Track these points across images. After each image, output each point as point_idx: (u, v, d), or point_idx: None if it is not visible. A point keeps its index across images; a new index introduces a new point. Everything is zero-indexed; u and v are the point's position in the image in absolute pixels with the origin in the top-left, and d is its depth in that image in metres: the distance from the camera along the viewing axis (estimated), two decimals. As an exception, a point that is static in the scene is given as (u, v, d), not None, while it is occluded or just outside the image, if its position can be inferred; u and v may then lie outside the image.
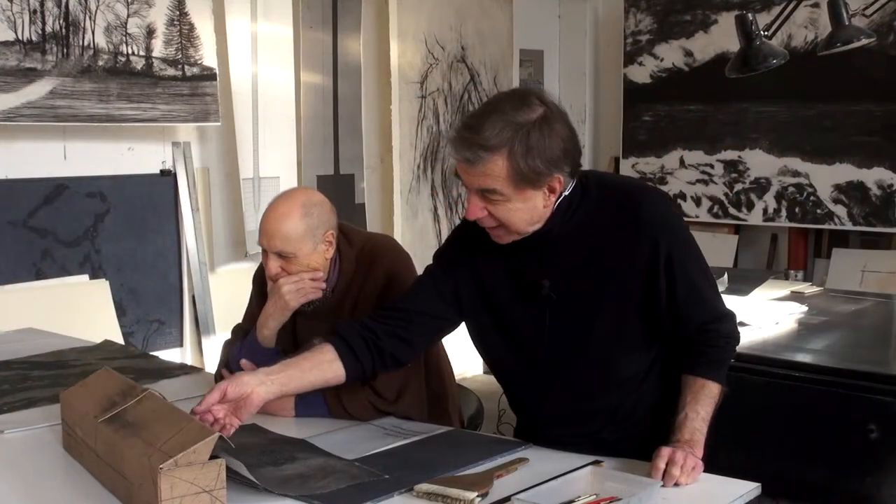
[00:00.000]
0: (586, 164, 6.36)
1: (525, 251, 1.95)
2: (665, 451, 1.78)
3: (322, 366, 1.96)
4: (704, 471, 1.81)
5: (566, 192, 1.89)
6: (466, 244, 2.03)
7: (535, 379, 2.01)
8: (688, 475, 1.76)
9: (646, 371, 1.99)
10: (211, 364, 3.97)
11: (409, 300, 2.06)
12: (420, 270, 2.42)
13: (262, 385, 1.84)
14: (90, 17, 3.64)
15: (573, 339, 1.95)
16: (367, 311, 2.23)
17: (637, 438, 1.94)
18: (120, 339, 3.68)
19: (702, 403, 1.90)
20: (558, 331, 1.95)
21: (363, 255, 2.30)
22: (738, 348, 2.80)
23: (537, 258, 1.94)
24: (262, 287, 2.37)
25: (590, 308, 1.93)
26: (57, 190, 3.75)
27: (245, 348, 2.29)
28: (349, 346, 1.98)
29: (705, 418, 1.89)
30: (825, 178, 5.30)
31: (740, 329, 3.02)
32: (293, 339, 2.32)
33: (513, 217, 1.85)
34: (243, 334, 2.36)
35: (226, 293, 4.23)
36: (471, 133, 1.80)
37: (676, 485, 1.75)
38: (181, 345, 4.20)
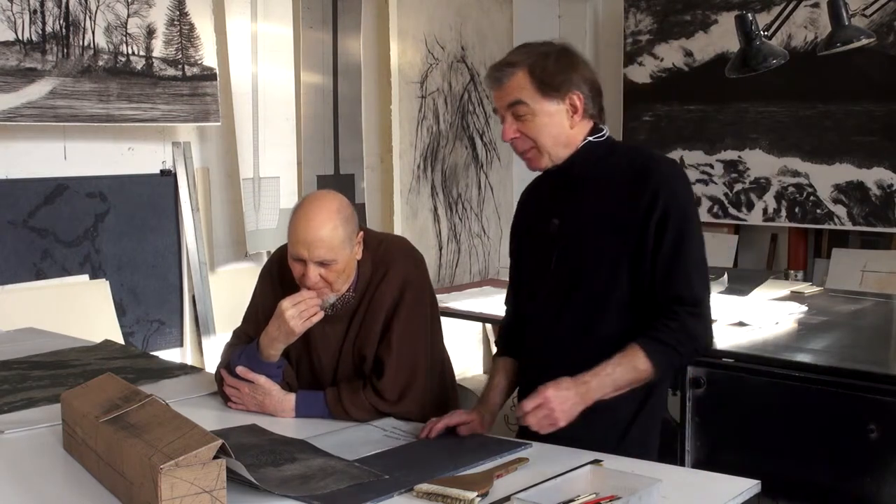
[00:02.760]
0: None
1: (548, 191, 2.17)
2: (540, 395, 1.87)
3: (508, 371, 2.23)
4: (704, 468, 1.82)
5: (594, 139, 2.07)
6: (521, 209, 2.29)
7: (536, 322, 2.14)
8: (539, 421, 1.86)
9: (620, 335, 2.01)
10: (211, 364, 3.98)
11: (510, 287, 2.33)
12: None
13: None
14: (90, 17, 3.64)
15: (570, 278, 2.07)
16: (382, 315, 2.26)
17: (602, 434, 2.00)
18: (120, 339, 3.69)
19: (621, 367, 1.94)
20: (560, 269, 2.08)
21: (378, 258, 2.30)
22: (737, 348, 2.84)
23: (554, 198, 2.14)
24: (271, 286, 2.36)
25: (589, 251, 2.05)
26: (57, 190, 3.75)
27: (244, 358, 2.28)
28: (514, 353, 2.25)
29: (614, 381, 1.93)
30: (825, 178, 5.30)
31: (740, 329, 3.05)
32: (306, 342, 2.32)
33: (541, 133, 2.04)
34: (246, 339, 2.35)
35: (226, 293, 4.23)
36: (500, 61, 2.08)
37: (528, 426, 1.87)
38: (181, 345, 4.20)
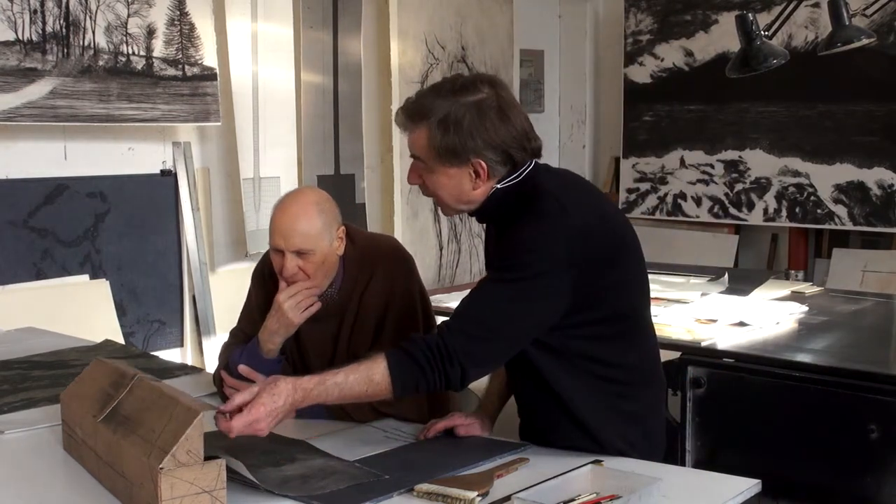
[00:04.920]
0: (586, 164, 6.38)
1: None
2: (254, 411, 1.72)
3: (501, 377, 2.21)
4: (704, 468, 1.82)
5: (501, 186, 1.93)
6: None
7: None
8: (243, 429, 1.71)
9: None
10: (211, 364, 3.98)
11: None
12: (420, 271, 2.42)
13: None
14: (90, 17, 3.64)
15: None
16: (373, 315, 2.25)
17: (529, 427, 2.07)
18: (120, 339, 3.69)
19: (355, 375, 1.81)
20: None
21: (366, 257, 2.29)
22: (738, 348, 2.84)
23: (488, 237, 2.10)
24: (263, 284, 2.37)
25: None
26: (57, 190, 3.75)
27: (245, 356, 2.27)
28: None
29: (342, 390, 1.80)
30: (825, 178, 5.31)
31: (740, 329, 3.04)
32: (296, 341, 2.32)
33: (440, 190, 1.94)
34: (244, 337, 2.35)
35: (226, 293, 4.22)
36: (408, 103, 1.94)
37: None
38: (181, 345, 4.20)
